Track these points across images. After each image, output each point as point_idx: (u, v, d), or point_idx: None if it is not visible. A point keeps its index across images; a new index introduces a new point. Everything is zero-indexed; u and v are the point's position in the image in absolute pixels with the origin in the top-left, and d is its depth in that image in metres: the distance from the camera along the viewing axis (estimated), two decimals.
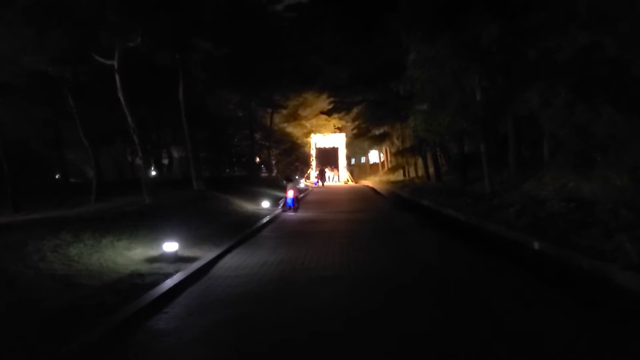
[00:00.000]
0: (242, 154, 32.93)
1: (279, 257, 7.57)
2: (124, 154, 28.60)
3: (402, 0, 13.18)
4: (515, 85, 10.80)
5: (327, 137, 39.77)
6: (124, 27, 11.96)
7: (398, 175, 33.32)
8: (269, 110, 32.73)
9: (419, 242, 9.17)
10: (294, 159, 37.43)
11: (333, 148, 40.30)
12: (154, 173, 27.75)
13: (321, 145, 40.14)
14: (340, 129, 39.60)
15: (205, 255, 7.46)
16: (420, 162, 27.93)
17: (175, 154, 32.75)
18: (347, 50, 23.61)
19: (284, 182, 18.52)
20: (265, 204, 15.73)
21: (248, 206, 15.43)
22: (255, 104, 30.19)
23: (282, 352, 3.81)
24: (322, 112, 36.01)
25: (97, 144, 19.09)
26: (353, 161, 51.17)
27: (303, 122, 38.25)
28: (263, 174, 33.94)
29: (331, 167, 40.43)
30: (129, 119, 13.14)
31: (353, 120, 34.66)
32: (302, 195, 23.30)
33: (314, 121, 38.44)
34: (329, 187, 32.73)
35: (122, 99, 12.90)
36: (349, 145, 41.03)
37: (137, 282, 5.60)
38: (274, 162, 37.96)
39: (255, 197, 17.35)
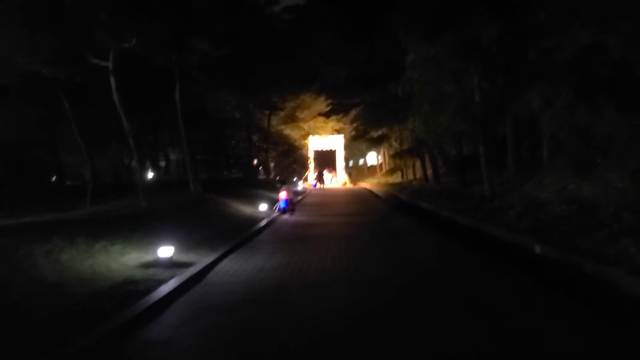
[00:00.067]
0: (240, 156, 32.75)
1: (276, 262, 7.43)
2: (121, 156, 28.38)
3: (401, 0, 13.08)
4: (516, 86, 10.70)
5: (325, 139, 39.68)
6: (119, 27, 11.80)
7: (396, 178, 33.26)
8: (267, 112, 32.59)
9: (419, 245, 9.08)
10: (292, 161, 37.28)
11: (331, 150, 40.21)
12: (151, 175, 27.56)
13: (319, 147, 40.05)
14: (338, 131, 39.50)
15: (202, 260, 7.31)
16: (418, 164, 27.85)
17: (173, 156, 32.55)
18: (346, 50, 23.49)
19: (278, 185, 18.62)
20: (263, 206, 15.59)
21: (245, 209, 15.29)
22: (253, 106, 30.04)
23: (281, 358, 3.74)
24: (320, 114, 35.90)
25: (93, 146, 18.90)
26: (351, 163, 51.09)
27: (301, 124, 38.14)
28: (261, 176, 33.79)
29: (329, 169, 40.32)
30: (124, 121, 12.98)
31: (351, 122, 34.56)
32: (300, 197, 23.21)
33: (311, 123, 38.33)
34: (327, 190, 32.64)
35: (116, 100, 12.74)
36: (347, 147, 40.97)
37: (131, 289, 5.44)
38: (272, 164, 37.82)
39: (253, 200, 17.21)
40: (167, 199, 13.50)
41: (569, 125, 9.84)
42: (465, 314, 4.61)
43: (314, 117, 37.09)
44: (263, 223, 12.47)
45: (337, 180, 40.16)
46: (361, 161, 52.49)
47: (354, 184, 39.77)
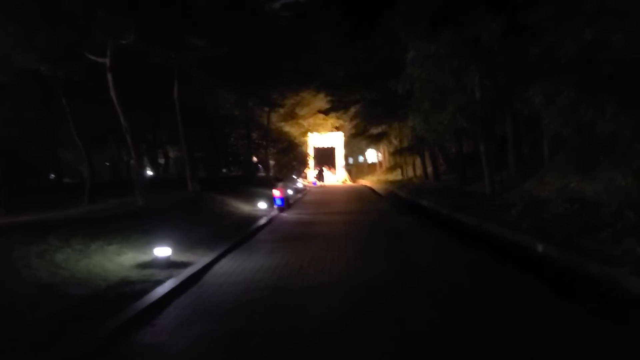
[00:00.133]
0: (239, 153, 32.64)
1: (275, 262, 7.34)
2: (120, 153, 28.27)
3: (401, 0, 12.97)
4: (518, 83, 10.59)
5: (325, 136, 39.56)
6: (116, 24, 11.70)
7: (396, 175, 33.19)
8: (266, 109, 32.44)
9: (419, 244, 9.01)
10: (291, 158, 37.16)
11: (330, 147, 40.10)
12: (150, 173, 27.45)
13: (319, 144, 39.95)
14: (337, 128, 39.37)
15: (199, 260, 7.22)
16: (418, 161, 27.76)
17: (172, 154, 32.44)
18: (345, 48, 23.34)
19: (275, 182, 18.80)
20: (262, 205, 15.50)
21: (244, 207, 15.20)
22: (252, 104, 29.91)
23: None
24: (320, 111, 35.77)
25: (91, 143, 18.80)
26: (351, 160, 50.95)
27: (300, 121, 37.98)
28: (260, 174, 33.68)
29: (329, 167, 40.23)
30: (122, 118, 12.90)
31: (351, 120, 34.42)
32: (299, 195, 23.13)
33: (311, 120, 38.18)
34: (326, 187, 32.58)
35: (114, 98, 12.65)
36: (346, 145, 40.86)
37: (126, 291, 5.34)
38: (272, 162, 37.70)
39: (252, 198, 17.11)
40: (164, 198, 13.42)
41: (571, 122, 9.72)
42: (465, 314, 4.56)
43: (314, 114, 36.95)
44: (262, 221, 12.39)
45: (337, 177, 40.07)
46: (361, 158, 52.34)
47: (354, 182, 39.69)
